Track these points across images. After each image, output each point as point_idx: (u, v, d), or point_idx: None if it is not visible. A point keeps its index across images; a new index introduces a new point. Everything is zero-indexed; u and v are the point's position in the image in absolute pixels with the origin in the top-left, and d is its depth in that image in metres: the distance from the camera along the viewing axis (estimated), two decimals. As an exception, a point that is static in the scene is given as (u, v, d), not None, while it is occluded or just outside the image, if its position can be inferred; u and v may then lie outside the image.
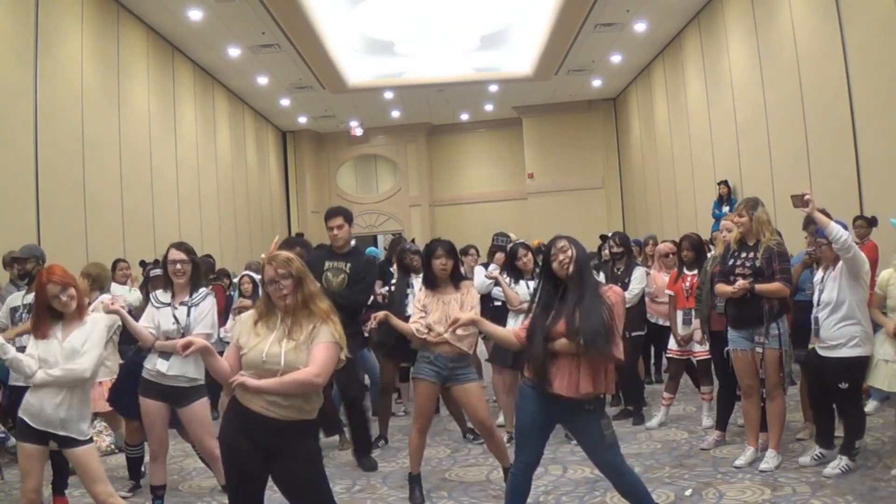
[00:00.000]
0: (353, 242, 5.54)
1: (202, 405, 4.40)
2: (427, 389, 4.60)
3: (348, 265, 5.24)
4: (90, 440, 3.69)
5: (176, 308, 4.37)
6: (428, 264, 4.72)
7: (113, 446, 6.17)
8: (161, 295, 4.46)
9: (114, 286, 7.48)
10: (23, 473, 3.64)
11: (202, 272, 4.59)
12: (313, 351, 3.00)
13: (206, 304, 4.42)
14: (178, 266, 4.38)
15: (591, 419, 3.49)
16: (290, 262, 3.06)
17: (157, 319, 4.36)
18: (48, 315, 3.64)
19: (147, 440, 4.57)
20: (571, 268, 3.50)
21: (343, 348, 3.09)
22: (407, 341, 5.62)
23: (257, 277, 7.13)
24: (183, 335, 4.27)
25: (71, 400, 3.58)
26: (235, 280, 8.11)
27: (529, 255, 6.06)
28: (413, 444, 4.66)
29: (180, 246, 4.46)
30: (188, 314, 4.35)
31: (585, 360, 3.41)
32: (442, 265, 4.62)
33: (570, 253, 3.50)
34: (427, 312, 4.60)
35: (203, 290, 4.49)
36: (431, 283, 4.71)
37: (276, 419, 2.97)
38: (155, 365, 4.33)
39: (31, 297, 4.94)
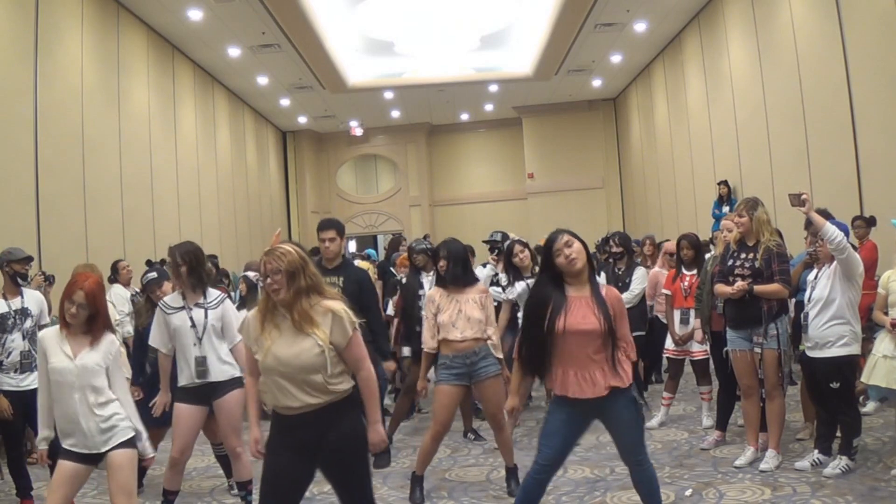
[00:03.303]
0: (343, 255, 5.51)
1: (236, 398, 4.33)
2: (447, 394, 4.59)
3: (341, 279, 5.22)
4: (131, 445, 3.59)
5: (191, 309, 4.34)
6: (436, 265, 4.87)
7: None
8: (171, 300, 4.42)
9: (118, 288, 7.47)
10: (50, 488, 3.55)
11: (199, 270, 4.43)
12: (350, 354, 3.03)
13: (229, 309, 4.43)
14: (171, 270, 4.41)
15: (619, 401, 3.47)
16: (284, 256, 3.00)
17: (172, 325, 4.32)
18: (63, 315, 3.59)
19: (173, 441, 4.45)
20: (579, 264, 3.49)
21: (356, 323, 3.09)
22: (416, 340, 5.69)
23: (252, 276, 7.13)
24: (200, 339, 4.29)
25: (98, 413, 3.52)
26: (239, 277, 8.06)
27: (526, 251, 6.00)
28: (424, 448, 4.67)
29: (171, 252, 4.44)
30: (205, 315, 4.34)
31: (595, 362, 3.43)
32: (442, 267, 4.78)
33: (575, 247, 3.49)
34: (440, 310, 4.65)
35: (217, 293, 4.47)
36: (443, 282, 4.80)
37: (314, 411, 2.97)
38: (192, 379, 4.29)
39: (18, 302, 4.92)
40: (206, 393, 4.32)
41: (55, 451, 3.60)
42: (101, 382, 3.57)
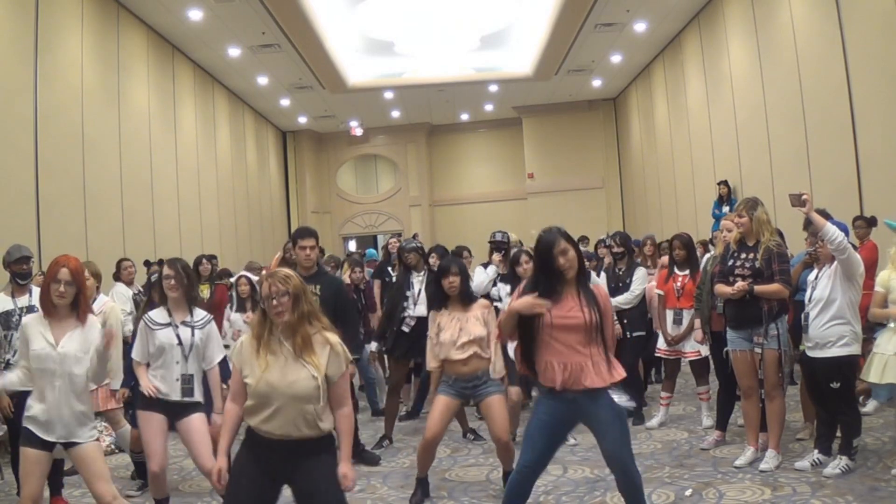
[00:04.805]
0: (316, 263, 5.47)
1: (201, 419, 4.32)
2: (444, 404, 4.59)
3: (318, 287, 5.19)
4: (94, 439, 3.69)
5: (178, 327, 4.31)
6: (438, 283, 4.77)
7: (113, 446, 6.17)
8: (156, 315, 4.36)
9: (120, 287, 7.47)
10: (23, 477, 3.62)
11: (193, 289, 4.48)
12: (338, 388, 3.04)
13: (213, 331, 4.43)
14: (173, 282, 4.33)
15: (601, 401, 3.48)
16: (289, 278, 3.02)
17: (157, 341, 4.27)
18: (49, 302, 3.61)
19: (147, 456, 4.39)
20: (571, 273, 3.51)
21: (350, 360, 3.13)
22: (413, 344, 5.64)
23: (254, 278, 7.10)
24: (186, 358, 4.27)
25: (72, 401, 3.58)
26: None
27: (531, 262, 5.97)
28: (418, 454, 4.71)
29: (172, 263, 4.42)
30: (192, 334, 4.31)
31: (582, 355, 3.44)
32: (450, 283, 4.70)
33: (570, 255, 3.50)
34: (441, 329, 4.65)
35: (204, 314, 4.46)
36: (441, 303, 4.75)
37: (295, 440, 2.96)
38: (168, 395, 4.25)
39: (25, 300, 4.92)
40: (171, 408, 4.27)
41: (16, 436, 3.63)
42: (81, 370, 3.60)
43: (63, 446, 3.60)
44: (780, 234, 5.19)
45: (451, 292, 4.70)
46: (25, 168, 7.77)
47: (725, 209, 10.12)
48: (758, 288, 4.74)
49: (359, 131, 18.64)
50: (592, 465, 5.15)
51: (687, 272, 6.09)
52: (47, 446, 3.58)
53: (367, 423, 6.78)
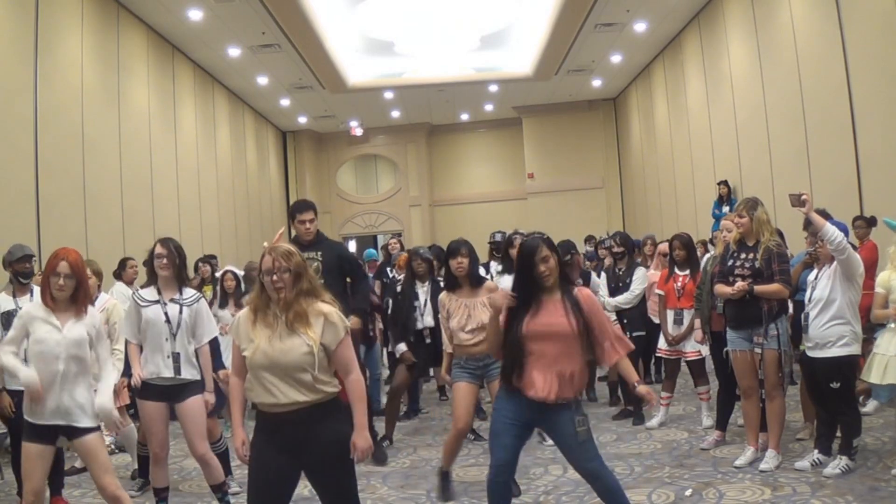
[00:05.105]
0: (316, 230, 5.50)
1: (198, 402, 4.35)
2: (463, 390, 4.61)
3: (319, 253, 5.24)
4: (97, 428, 3.68)
5: (166, 304, 4.32)
6: (448, 264, 4.80)
7: (114, 446, 6.17)
8: (146, 293, 4.38)
9: (120, 286, 7.47)
10: (25, 474, 3.61)
11: (185, 269, 4.52)
12: (340, 356, 3.02)
13: (203, 309, 4.44)
14: (165, 261, 4.34)
15: (563, 415, 3.44)
16: (291, 255, 3.02)
17: (144, 317, 4.29)
18: (48, 292, 3.63)
19: (148, 439, 4.50)
20: (551, 281, 3.48)
21: (349, 327, 3.11)
22: (420, 350, 5.66)
23: (240, 273, 7.14)
24: (175, 334, 4.28)
25: (73, 387, 3.57)
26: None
27: None
28: (448, 445, 4.69)
29: (165, 242, 4.41)
30: (180, 311, 4.32)
31: (563, 365, 3.41)
32: (458, 264, 4.72)
33: (551, 263, 3.46)
34: (450, 315, 4.68)
35: (193, 292, 4.47)
36: (451, 285, 4.79)
37: (300, 408, 2.94)
38: (160, 373, 4.28)
39: (26, 300, 4.92)
40: (168, 392, 4.30)
41: (18, 430, 3.62)
42: (85, 354, 3.62)
43: (66, 437, 3.60)
44: (780, 234, 5.19)
45: (458, 273, 4.72)
46: (25, 168, 7.77)
47: (725, 209, 10.12)
48: (758, 288, 4.74)
49: (359, 131, 18.64)
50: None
51: (687, 272, 6.10)
52: (49, 438, 3.58)
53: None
